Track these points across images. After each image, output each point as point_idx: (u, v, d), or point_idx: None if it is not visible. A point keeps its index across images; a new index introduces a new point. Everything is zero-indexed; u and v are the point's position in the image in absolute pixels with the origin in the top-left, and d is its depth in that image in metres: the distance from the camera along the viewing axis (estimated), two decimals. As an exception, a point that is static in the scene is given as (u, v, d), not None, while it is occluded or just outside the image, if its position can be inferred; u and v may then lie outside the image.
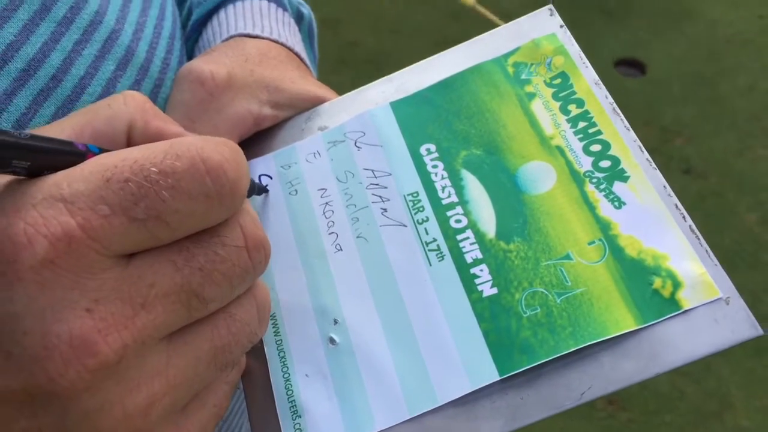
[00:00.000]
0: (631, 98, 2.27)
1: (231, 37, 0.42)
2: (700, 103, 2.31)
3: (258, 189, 0.37)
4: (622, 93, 2.29)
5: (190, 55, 0.46)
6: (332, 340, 0.33)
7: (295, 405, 0.32)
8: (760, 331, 0.28)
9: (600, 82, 0.35)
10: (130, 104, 0.27)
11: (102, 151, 0.23)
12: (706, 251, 0.30)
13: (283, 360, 0.33)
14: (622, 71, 2.44)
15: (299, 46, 0.45)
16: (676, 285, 0.30)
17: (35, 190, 0.21)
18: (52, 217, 0.20)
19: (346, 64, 2.49)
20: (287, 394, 0.32)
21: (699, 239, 0.30)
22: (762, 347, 1.67)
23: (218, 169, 0.22)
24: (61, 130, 0.25)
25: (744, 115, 2.25)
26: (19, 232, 0.20)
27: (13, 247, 0.20)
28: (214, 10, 0.45)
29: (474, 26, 2.49)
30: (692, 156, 2.15)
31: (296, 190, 0.37)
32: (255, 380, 0.33)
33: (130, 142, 0.27)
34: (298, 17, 0.49)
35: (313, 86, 0.41)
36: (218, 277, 0.23)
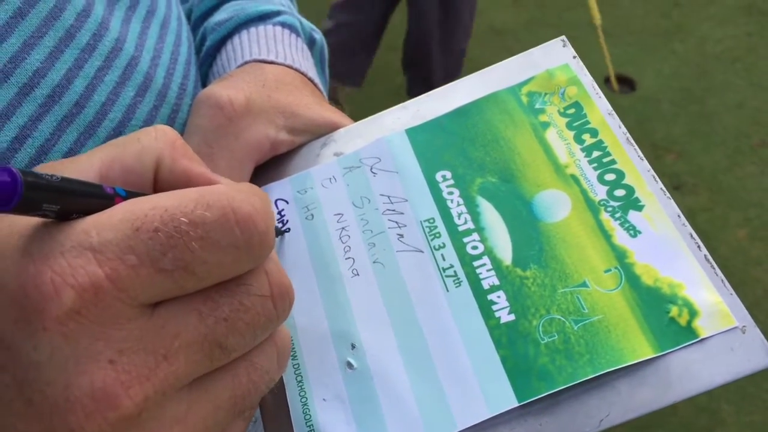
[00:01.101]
0: (622, 115, 2.28)
1: (246, 62, 0.42)
2: (689, 119, 2.33)
3: (277, 231, 0.37)
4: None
5: (203, 81, 0.46)
6: (350, 365, 0.33)
7: (313, 429, 0.32)
8: None
9: (613, 112, 0.36)
10: (160, 139, 0.27)
11: (129, 194, 0.23)
12: (722, 280, 0.31)
13: (300, 384, 0.33)
14: (613, 87, 2.46)
15: (312, 72, 0.45)
16: (693, 313, 0.30)
17: (64, 236, 0.21)
18: (80, 266, 0.20)
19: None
20: (305, 419, 0.32)
21: (714, 268, 0.31)
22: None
23: (248, 221, 0.22)
24: (91, 164, 0.25)
25: (733, 132, 2.27)
26: (47, 281, 0.20)
27: (39, 296, 0.20)
28: (228, 36, 0.45)
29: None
30: (682, 172, 2.17)
31: (312, 215, 0.38)
32: (272, 405, 0.33)
33: (157, 178, 0.27)
34: (311, 42, 0.49)
35: (328, 112, 0.41)
36: (242, 326, 0.23)
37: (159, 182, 0.27)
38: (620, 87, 2.46)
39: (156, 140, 0.27)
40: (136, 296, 0.21)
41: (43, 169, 0.25)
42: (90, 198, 0.22)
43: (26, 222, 0.22)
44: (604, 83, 2.45)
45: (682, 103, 2.39)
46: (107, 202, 0.22)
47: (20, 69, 0.31)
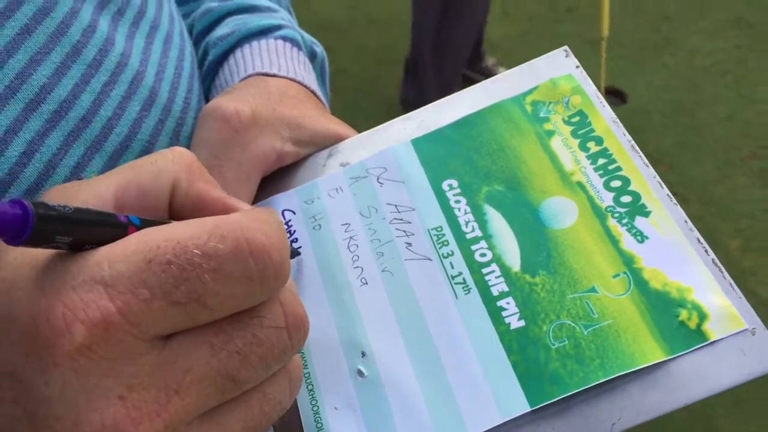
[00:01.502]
0: (614, 127, 2.30)
1: (249, 75, 0.43)
2: (680, 131, 2.35)
3: (291, 253, 0.36)
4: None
5: (206, 95, 0.46)
6: (360, 373, 0.33)
7: None
8: None
9: (617, 120, 0.36)
10: (176, 162, 0.27)
11: (143, 222, 0.23)
12: (730, 284, 0.31)
13: (311, 393, 0.33)
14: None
15: (314, 85, 0.46)
16: (702, 317, 0.30)
17: (76, 269, 0.20)
18: (92, 301, 0.20)
19: (335, 91, 2.51)
20: (317, 427, 0.32)
21: (722, 272, 0.31)
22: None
23: (262, 252, 0.22)
24: (107, 186, 0.25)
25: (723, 144, 2.29)
26: (58, 316, 0.20)
27: (51, 331, 0.20)
28: (230, 50, 0.46)
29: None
30: (674, 184, 2.18)
31: (320, 225, 0.38)
32: (284, 414, 0.33)
33: (172, 201, 0.27)
34: (311, 56, 0.50)
35: (332, 123, 0.42)
36: (255, 360, 0.23)
37: (174, 205, 0.27)
38: (612, 99, 2.48)
39: (172, 163, 0.27)
40: (148, 330, 0.21)
41: (59, 192, 0.25)
42: (103, 228, 0.22)
43: (38, 253, 0.22)
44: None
45: (673, 116, 2.41)
46: (121, 232, 0.22)
47: (27, 85, 0.31)
